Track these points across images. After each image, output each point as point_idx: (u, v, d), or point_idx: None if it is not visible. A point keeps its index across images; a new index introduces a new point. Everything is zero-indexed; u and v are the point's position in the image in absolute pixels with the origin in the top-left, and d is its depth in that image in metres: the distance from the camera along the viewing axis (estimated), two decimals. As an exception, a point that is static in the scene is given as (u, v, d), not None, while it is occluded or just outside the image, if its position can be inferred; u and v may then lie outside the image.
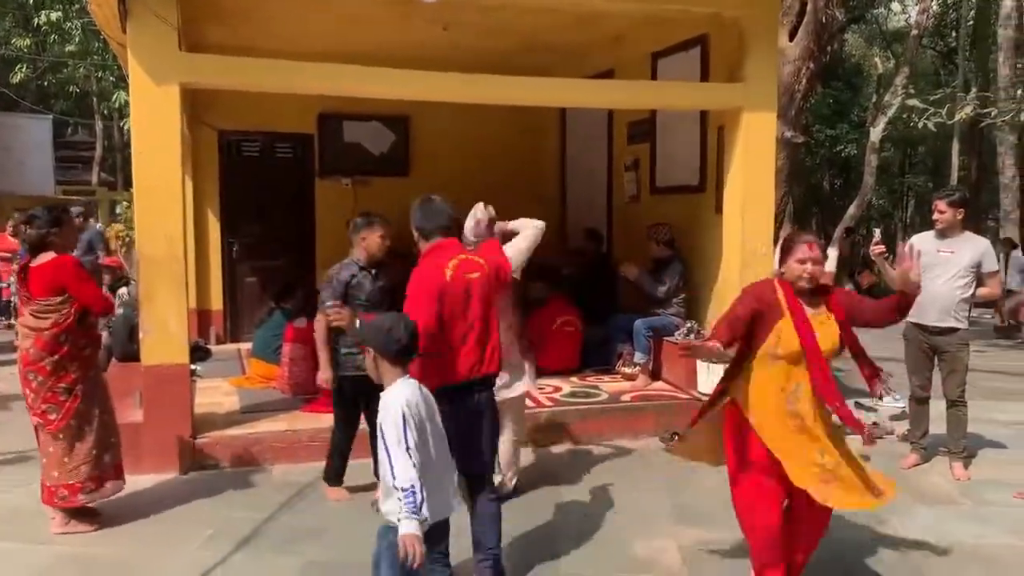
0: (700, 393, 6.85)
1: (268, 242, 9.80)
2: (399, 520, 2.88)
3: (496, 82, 6.25)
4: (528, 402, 5.98)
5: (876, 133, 18.49)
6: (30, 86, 18.87)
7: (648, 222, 7.64)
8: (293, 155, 10.00)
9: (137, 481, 5.33)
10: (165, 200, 5.51)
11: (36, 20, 16.23)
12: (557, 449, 6.32)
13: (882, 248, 5.73)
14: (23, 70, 17.37)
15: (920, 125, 10.13)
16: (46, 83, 19.08)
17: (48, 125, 15.80)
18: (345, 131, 10.04)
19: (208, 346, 8.92)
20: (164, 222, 5.51)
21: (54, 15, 16.02)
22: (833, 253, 18.44)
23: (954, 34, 24.76)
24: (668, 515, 5.04)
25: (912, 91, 11.65)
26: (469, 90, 6.28)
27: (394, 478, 2.92)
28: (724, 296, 6.93)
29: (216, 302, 9.64)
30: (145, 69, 5.40)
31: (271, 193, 9.75)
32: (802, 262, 3.63)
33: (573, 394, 6.96)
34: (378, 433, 3.03)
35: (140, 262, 5.58)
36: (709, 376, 6.76)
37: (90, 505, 4.75)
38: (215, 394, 6.97)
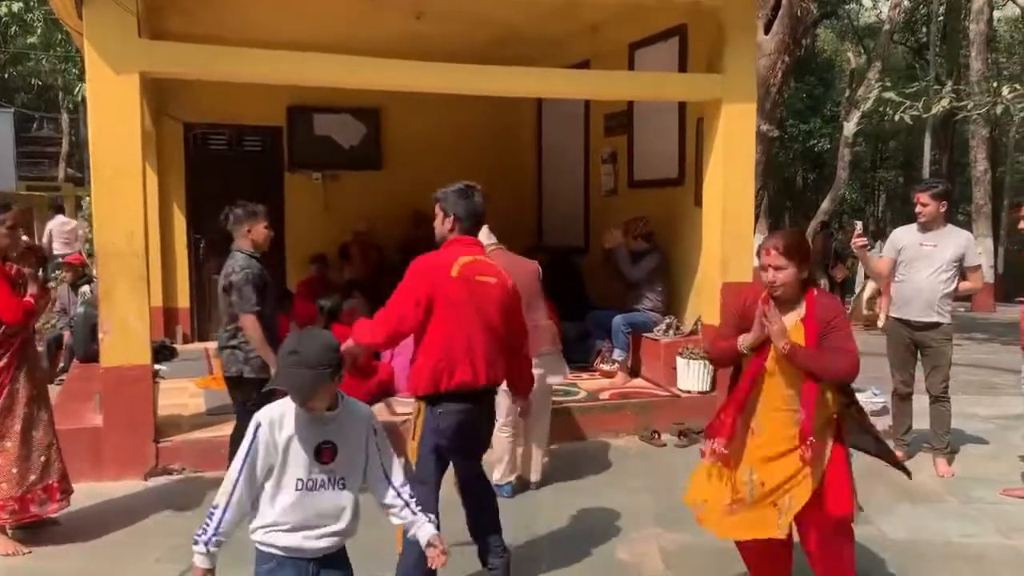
0: (680, 390, 6.72)
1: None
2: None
3: (470, 72, 6.07)
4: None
5: (849, 128, 18.53)
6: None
7: (626, 216, 7.48)
8: (262, 148, 9.77)
9: (97, 488, 5.11)
10: (125, 193, 5.27)
11: (-3, 11, 15.81)
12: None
13: (864, 241, 5.62)
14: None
15: (896, 118, 10.04)
16: (6, 75, 18.57)
17: (9, 119, 15.36)
18: (315, 124, 9.82)
19: (174, 345, 8.66)
20: (124, 216, 5.28)
21: (15, 6, 15.58)
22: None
23: (925, 29, 24.88)
24: (650, 517, 4.89)
25: (888, 84, 11.57)
26: (442, 80, 6.11)
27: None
28: (704, 291, 6.82)
29: (183, 300, 9.38)
30: (103, 57, 5.16)
31: (239, 187, 9.33)
32: (764, 269, 3.29)
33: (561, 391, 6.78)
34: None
35: (98, 258, 5.34)
36: (689, 373, 6.63)
37: (48, 515, 4.50)
38: (180, 395, 6.73)
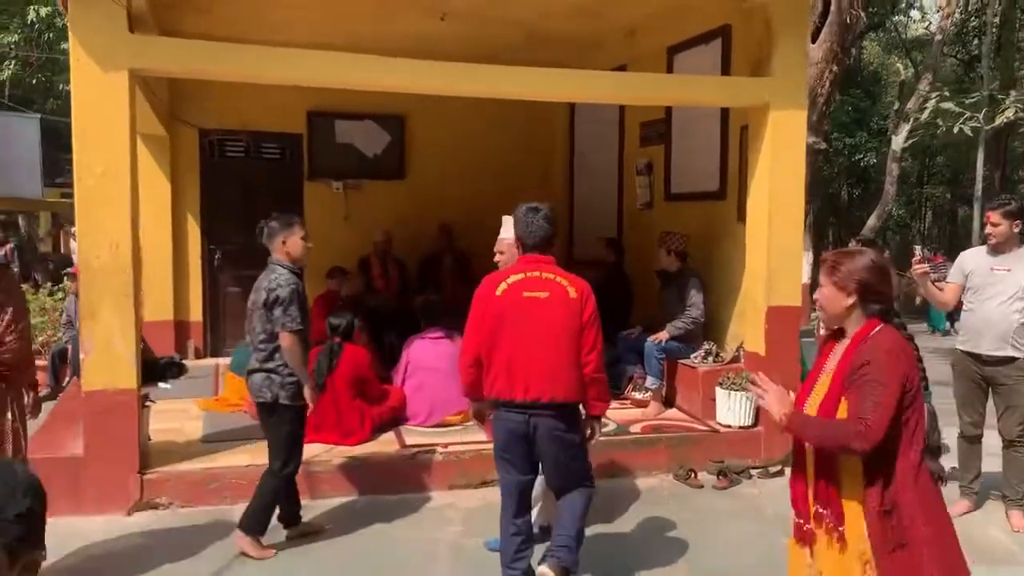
0: (719, 424, 6.12)
1: (252, 249, 8.88)
2: None
3: (499, 73, 5.58)
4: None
5: (898, 141, 17.80)
6: (19, 84, 18.24)
7: (665, 228, 6.91)
8: (280, 156, 9.34)
9: (75, 524, 4.66)
10: (111, 202, 4.83)
11: (28, 16, 15.63)
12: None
13: (925, 268, 5.06)
14: (11, 67, 16.74)
15: (956, 130, 9.37)
16: (34, 81, 18.48)
17: (36, 125, 15.13)
18: (337, 131, 9.38)
19: (183, 361, 8.23)
20: (109, 227, 4.83)
21: (43, 10, 15.40)
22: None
23: (977, 41, 24.00)
24: (681, 571, 4.31)
25: (947, 94, 10.88)
26: (469, 82, 5.62)
27: None
28: (748, 315, 6.23)
29: (195, 313, 8.96)
30: (89, 53, 4.73)
31: (256, 197, 9.07)
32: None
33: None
34: None
35: (80, 273, 4.90)
36: (729, 405, 6.04)
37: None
38: (179, 418, 6.29)
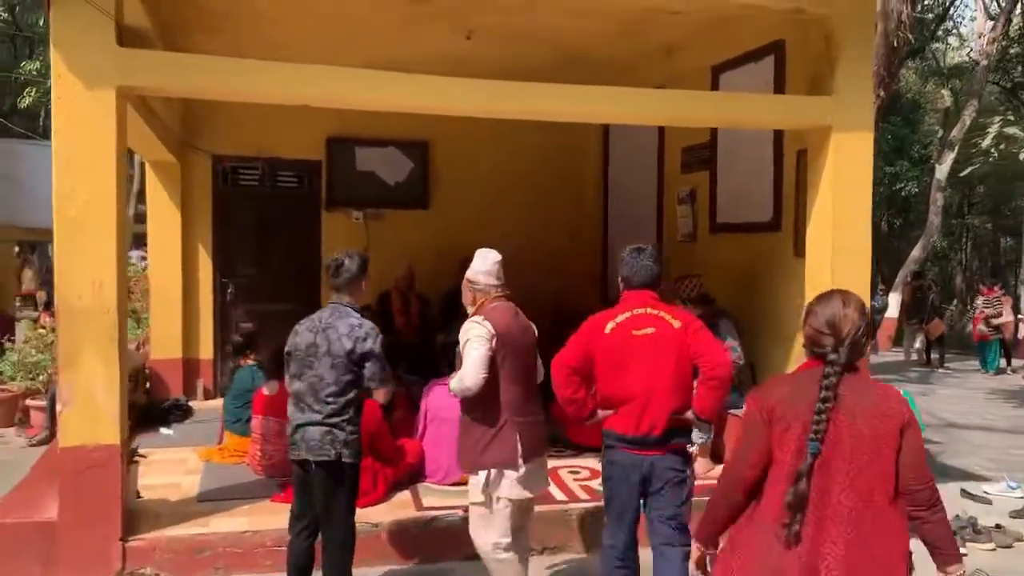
0: (776, 484, 5.43)
1: (267, 283, 8.61)
2: None
3: (534, 91, 5.01)
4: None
5: (942, 170, 17.06)
6: (39, 111, 18.09)
7: (709, 263, 6.29)
8: (298, 184, 8.86)
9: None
10: (94, 236, 4.31)
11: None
12: (593, 558, 4.96)
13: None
14: (32, 94, 16.53)
15: (1022, 156, 8.68)
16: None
17: (48, 153, 14.83)
18: (357, 158, 8.90)
19: (190, 404, 7.69)
20: (92, 264, 4.31)
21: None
22: (895, 299, 17.01)
23: (1021, 68, 23.22)
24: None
25: (1012, 118, 10.20)
26: (501, 101, 5.06)
27: None
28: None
29: (205, 351, 8.43)
30: (72, 69, 4.23)
31: (272, 227, 8.62)
32: None
33: (615, 481, 5.57)
34: None
35: (59, 314, 4.36)
36: (788, 463, 5.34)
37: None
38: (176, 470, 5.72)
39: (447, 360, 5.89)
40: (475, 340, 3.75)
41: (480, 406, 3.82)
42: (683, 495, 3.71)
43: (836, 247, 5.30)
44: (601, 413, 3.71)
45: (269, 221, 8.62)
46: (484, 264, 3.96)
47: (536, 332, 4.05)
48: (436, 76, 4.82)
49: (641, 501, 3.73)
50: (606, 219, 9.11)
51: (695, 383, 3.72)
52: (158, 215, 8.14)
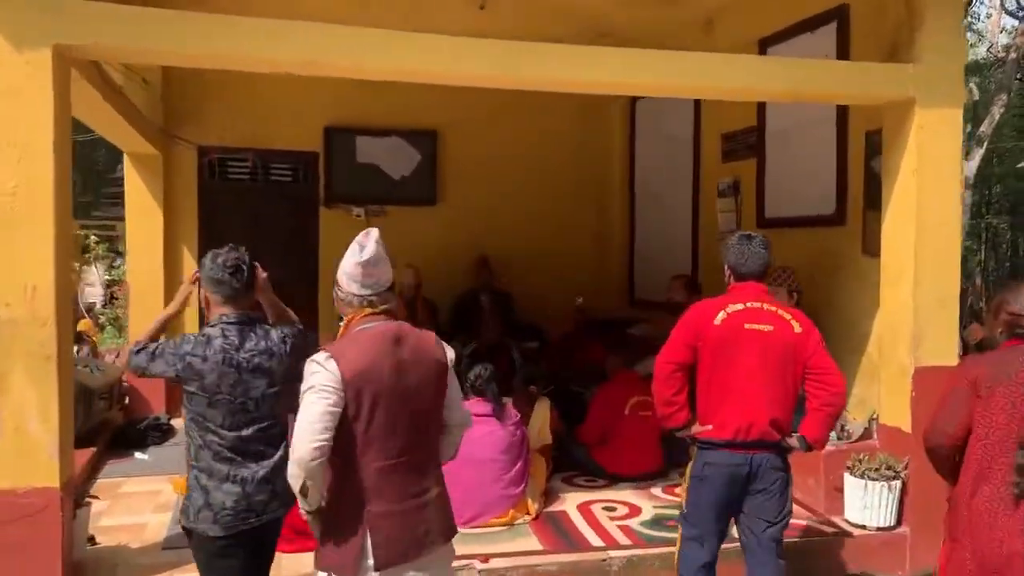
0: (850, 523, 4.62)
1: None
2: None
3: (553, 54, 4.19)
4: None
5: (971, 167, 16.16)
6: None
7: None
8: (292, 178, 8.09)
9: None
10: (25, 230, 3.51)
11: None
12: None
13: None
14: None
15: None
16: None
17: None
18: (358, 149, 8.11)
19: (171, 422, 6.87)
20: (22, 264, 3.51)
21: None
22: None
23: (1051, 60, 22.37)
24: None
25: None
26: (523, 66, 4.21)
27: None
28: (881, 377, 4.74)
29: (190, 362, 7.62)
30: (-3, 25, 3.44)
31: (264, 225, 7.82)
32: None
33: (656, 522, 4.71)
34: None
35: (-19, 327, 3.55)
36: (865, 498, 4.53)
37: None
38: (145, 507, 4.91)
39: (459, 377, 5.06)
40: (310, 392, 2.37)
41: (330, 486, 2.47)
42: (786, 502, 3.41)
43: (920, 244, 4.47)
44: (696, 428, 3.37)
45: (261, 218, 7.83)
46: (350, 259, 2.53)
47: (449, 360, 2.62)
48: (444, 35, 4.01)
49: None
50: (632, 215, 8.31)
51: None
52: (137, 212, 7.35)
